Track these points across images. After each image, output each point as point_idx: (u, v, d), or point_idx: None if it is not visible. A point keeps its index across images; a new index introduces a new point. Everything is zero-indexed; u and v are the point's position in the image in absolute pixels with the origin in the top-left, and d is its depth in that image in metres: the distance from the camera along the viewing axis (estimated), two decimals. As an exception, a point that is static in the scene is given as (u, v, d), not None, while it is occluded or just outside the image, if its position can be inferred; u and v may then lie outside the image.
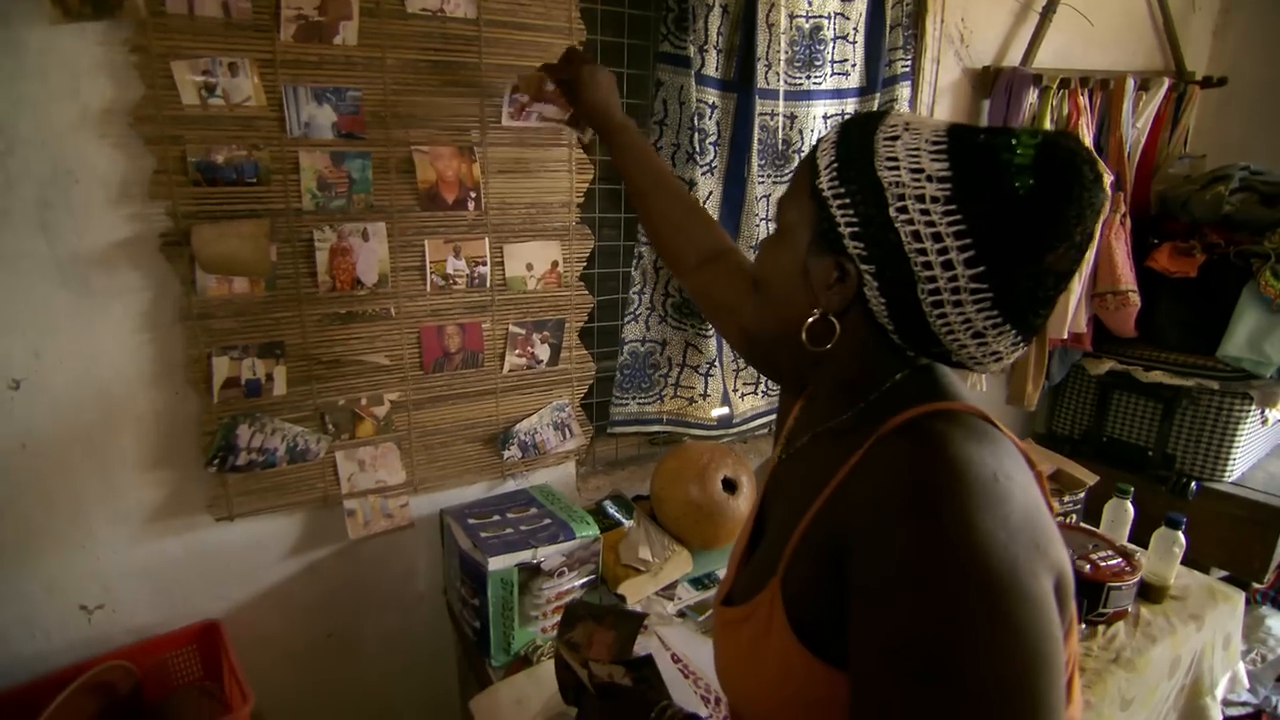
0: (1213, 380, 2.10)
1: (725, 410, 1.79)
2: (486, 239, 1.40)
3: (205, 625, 1.31)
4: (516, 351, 1.48)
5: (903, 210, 0.57)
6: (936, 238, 0.56)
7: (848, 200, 0.60)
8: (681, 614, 1.42)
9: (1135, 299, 2.15)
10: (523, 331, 1.47)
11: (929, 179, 0.56)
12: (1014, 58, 2.06)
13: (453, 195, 1.34)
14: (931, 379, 0.66)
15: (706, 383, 1.74)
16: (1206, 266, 2.10)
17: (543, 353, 1.51)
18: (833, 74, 1.71)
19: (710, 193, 1.63)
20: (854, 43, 1.71)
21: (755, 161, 1.64)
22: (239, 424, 1.24)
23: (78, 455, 1.18)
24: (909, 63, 1.81)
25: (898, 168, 0.57)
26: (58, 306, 1.12)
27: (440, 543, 1.52)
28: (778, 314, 0.69)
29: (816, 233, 0.63)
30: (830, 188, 0.61)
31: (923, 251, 0.56)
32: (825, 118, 1.73)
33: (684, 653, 1.32)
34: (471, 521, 1.36)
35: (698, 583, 1.48)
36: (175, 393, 1.22)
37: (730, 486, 1.55)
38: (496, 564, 1.26)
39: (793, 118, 1.68)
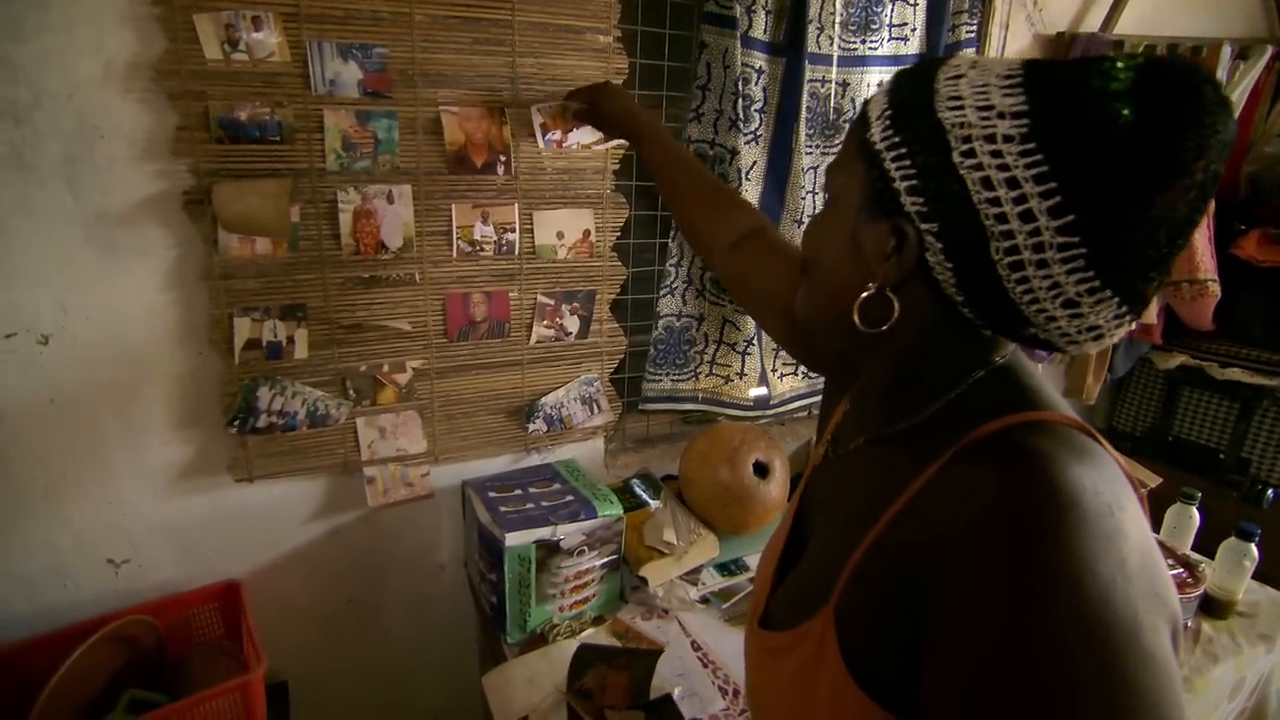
0: (1302, 380, 1.94)
1: (763, 391, 1.73)
2: (516, 205, 1.35)
3: (227, 585, 1.32)
4: (545, 322, 1.44)
5: (969, 154, 0.48)
6: (1012, 184, 0.46)
7: (903, 150, 0.51)
8: (705, 600, 1.37)
9: (1215, 289, 1.99)
10: (552, 302, 1.43)
11: (1000, 115, 0.47)
12: (1092, 23, 1.90)
13: (482, 158, 1.30)
14: (1018, 380, 0.56)
15: (744, 361, 1.68)
16: (1300, 256, 1.93)
17: (572, 324, 1.46)
18: (890, 38, 1.61)
19: (754, 163, 1.55)
20: (914, 4, 1.60)
21: (803, 131, 1.55)
22: (259, 386, 1.23)
23: (104, 411, 1.19)
24: (974, 27, 1.68)
25: (961, 106, 0.48)
26: (84, 263, 1.12)
27: (462, 514, 1.50)
28: (828, 295, 0.61)
29: (869, 195, 0.55)
30: (883, 138, 0.52)
31: (995, 201, 0.47)
32: (880, 86, 1.62)
33: (704, 640, 1.28)
34: (492, 494, 1.34)
35: (724, 568, 1.43)
36: (199, 353, 1.22)
37: (762, 470, 1.49)
38: (514, 539, 1.23)
39: (845, 85, 1.59)
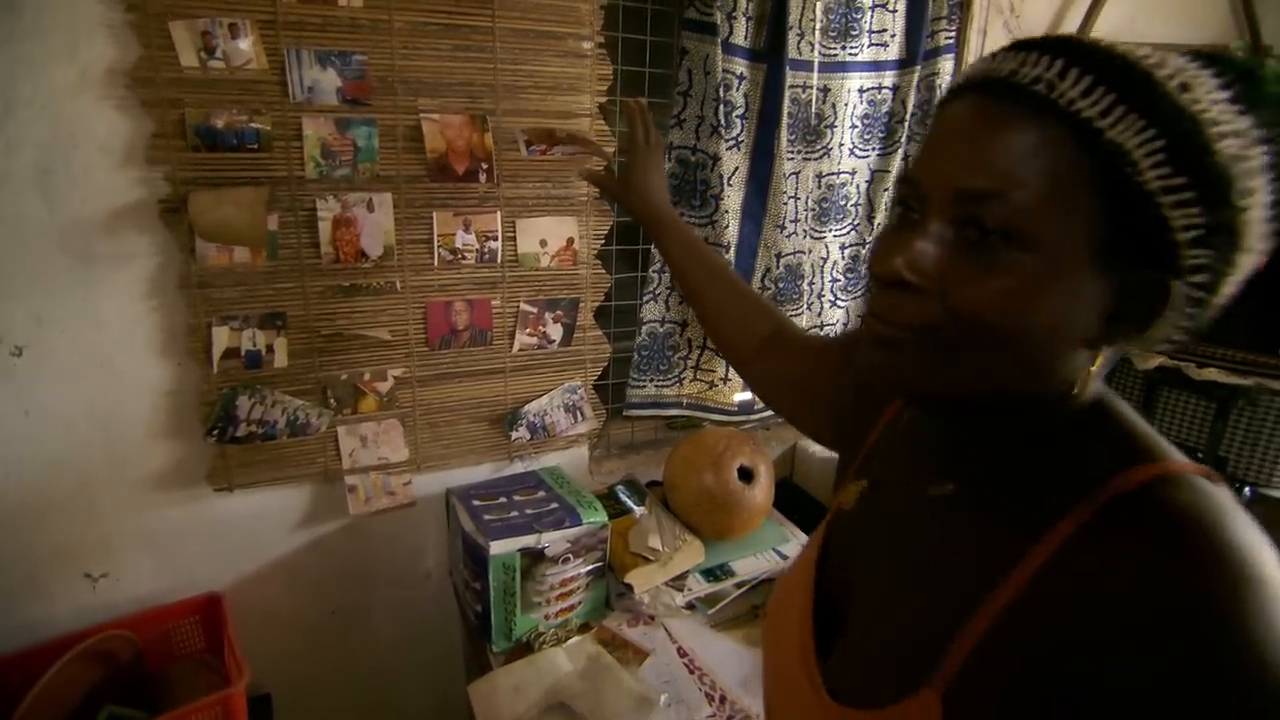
0: (1276, 380, 1.97)
1: (747, 395, 1.73)
2: (498, 213, 1.35)
3: (208, 597, 1.31)
4: (527, 330, 1.43)
5: (1245, 194, 0.43)
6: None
7: (1189, 195, 0.42)
8: (691, 606, 1.37)
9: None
10: (534, 310, 1.43)
11: (1257, 143, 0.43)
12: (1069, 28, 1.92)
13: (463, 166, 1.30)
14: (1122, 416, 0.50)
15: (727, 366, 1.68)
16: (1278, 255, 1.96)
17: (555, 332, 1.46)
18: (870, 44, 1.62)
19: (736, 168, 1.56)
20: (894, 11, 1.61)
21: (785, 136, 1.56)
22: (239, 395, 1.22)
23: (80, 422, 1.17)
24: (953, 34, 1.70)
25: (1229, 134, 0.42)
26: (59, 272, 1.10)
27: (446, 523, 1.49)
28: (1024, 364, 0.47)
29: (1102, 242, 0.44)
30: (1159, 177, 0.42)
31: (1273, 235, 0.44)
32: (861, 91, 1.64)
33: (691, 647, 1.28)
34: (476, 502, 1.33)
35: (709, 574, 1.43)
36: (179, 363, 1.20)
37: (747, 475, 1.49)
38: (498, 548, 1.22)
39: (826, 91, 1.59)
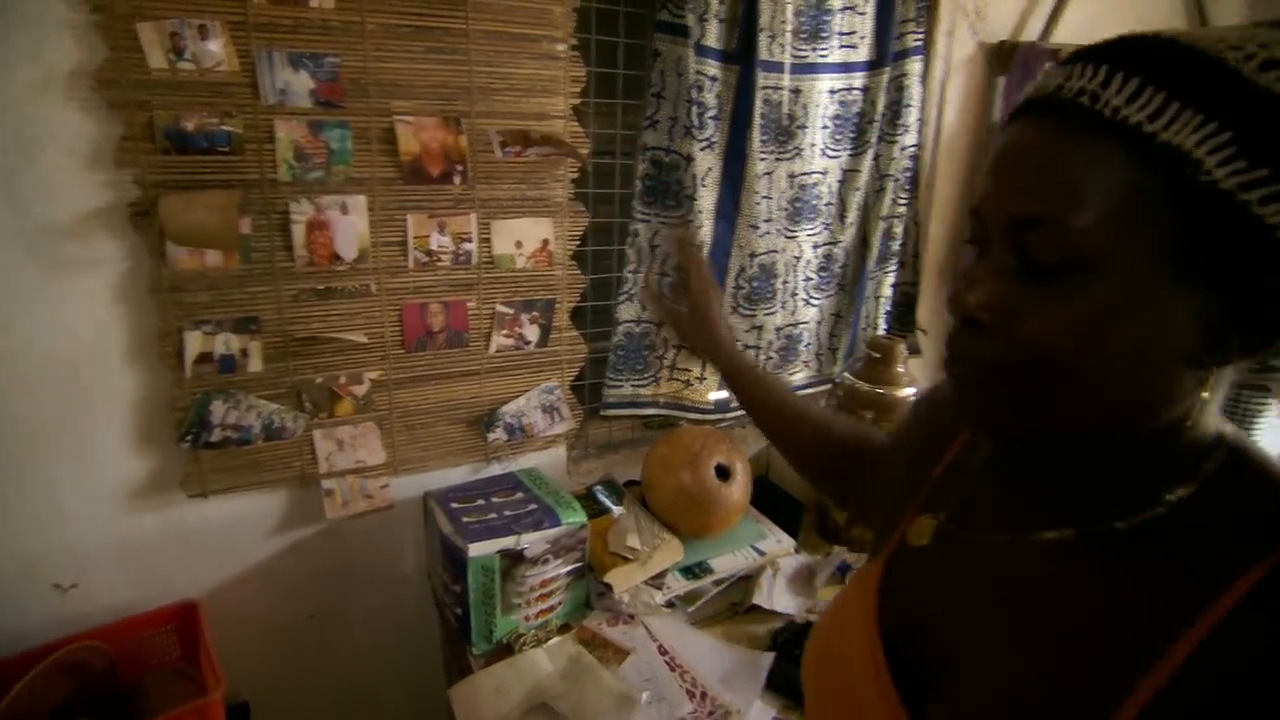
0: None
1: (724, 394, 1.74)
2: (473, 214, 1.35)
3: (183, 605, 1.29)
4: (504, 332, 1.43)
5: None
6: None
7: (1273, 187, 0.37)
8: (670, 604, 1.38)
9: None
10: (511, 311, 1.43)
11: None
12: (1032, 32, 1.97)
13: (438, 168, 1.29)
14: (1266, 459, 0.45)
15: (704, 365, 1.69)
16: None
17: (531, 333, 1.46)
18: (840, 46, 1.64)
19: (710, 169, 1.57)
20: (863, 13, 1.64)
21: (757, 137, 1.58)
22: (213, 400, 1.20)
23: (50, 429, 1.15)
24: (921, 36, 1.73)
25: None
26: (26, 278, 1.08)
27: (424, 525, 1.48)
28: (1114, 393, 0.43)
29: (1183, 252, 0.39)
30: (1233, 173, 0.37)
31: None
32: (831, 92, 1.66)
33: (671, 645, 1.29)
34: (454, 505, 1.33)
35: (688, 572, 1.44)
36: (150, 369, 1.19)
37: (723, 473, 1.51)
38: (477, 550, 1.22)
39: (797, 92, 1.61)
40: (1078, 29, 1.99)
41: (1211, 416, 0.45)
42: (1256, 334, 0.40)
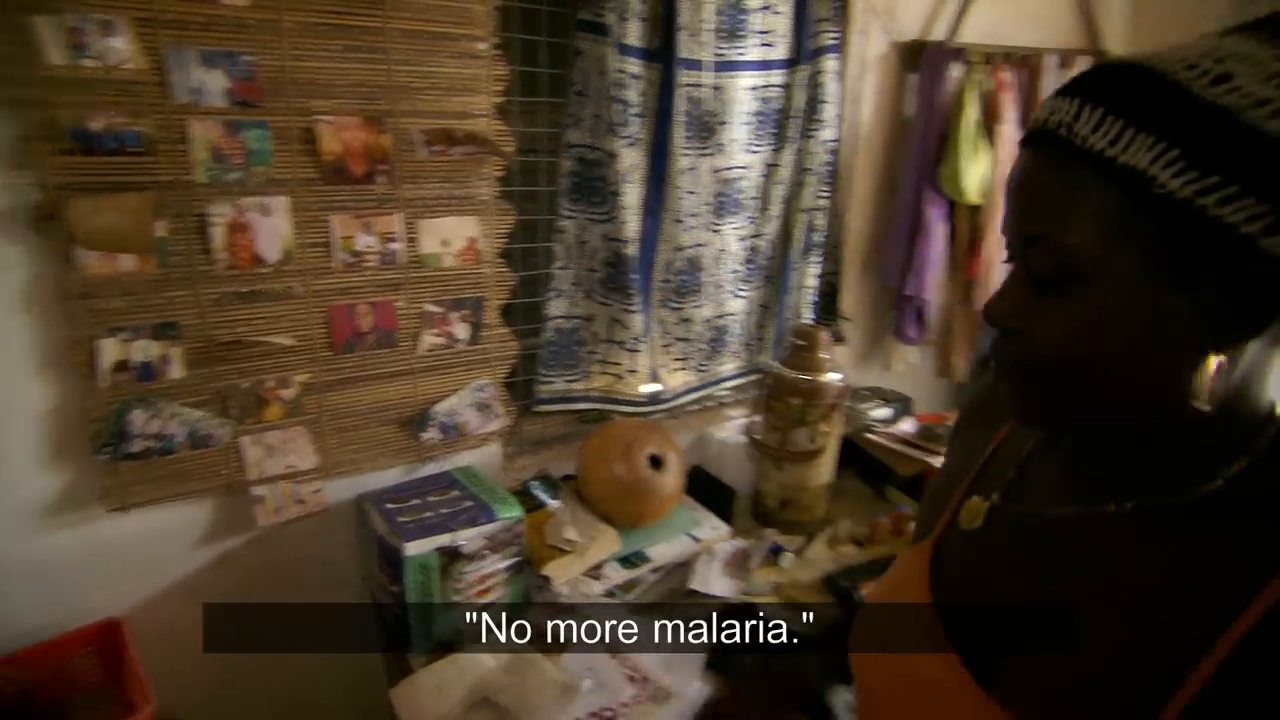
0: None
1: (656, 386, 1.77)
2: (399, 214, 1.34)
3: (105, 625, 1.24)
4: (433, 331, 1.43)
5: None
6: None
7: (1233, 187, 0.41)
8: (610, 594, 1.41)
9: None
10: (440, 310, 1.43)
11: None
12: (939, 32, 2.06)
13: (361, 168, 1.28)
14: None
15: (634, 358, 1.72)
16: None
17: (461, 331, 1.46)
18: (759, 44, 1.69)
19: (634, 165, 1.59)
20: (779, 13, 1.69)
21: (680, 133, 1.61)
22: (132, 409, 1.17)
23: (-49, 448, 1.10)
24: (836, 35, 1.79)
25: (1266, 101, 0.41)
26: (-81, 288, 1.03)
27: (360, 528, 1.47)
28: (1127, 388, 0.47)
29: (1168, 254, 0.43)
30: (1187, 183, 0.41)
31: None
32: (752, 89, 1.71)
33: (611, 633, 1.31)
34: (389, 506, 1.32)
35: (625, 561, 1.47)
36: (62, 379, 1.14)
37: (656, 463, 1.54)
38: (414, 548, 1.22)
39: (718, 89, 1.66)
40: (983, 29, 2.09)
41: (1265, 393, 0.48)
42: (1258, 316, 0.44)
